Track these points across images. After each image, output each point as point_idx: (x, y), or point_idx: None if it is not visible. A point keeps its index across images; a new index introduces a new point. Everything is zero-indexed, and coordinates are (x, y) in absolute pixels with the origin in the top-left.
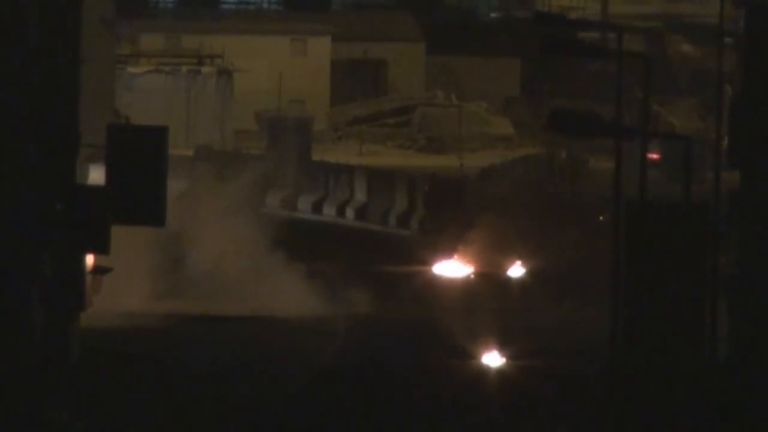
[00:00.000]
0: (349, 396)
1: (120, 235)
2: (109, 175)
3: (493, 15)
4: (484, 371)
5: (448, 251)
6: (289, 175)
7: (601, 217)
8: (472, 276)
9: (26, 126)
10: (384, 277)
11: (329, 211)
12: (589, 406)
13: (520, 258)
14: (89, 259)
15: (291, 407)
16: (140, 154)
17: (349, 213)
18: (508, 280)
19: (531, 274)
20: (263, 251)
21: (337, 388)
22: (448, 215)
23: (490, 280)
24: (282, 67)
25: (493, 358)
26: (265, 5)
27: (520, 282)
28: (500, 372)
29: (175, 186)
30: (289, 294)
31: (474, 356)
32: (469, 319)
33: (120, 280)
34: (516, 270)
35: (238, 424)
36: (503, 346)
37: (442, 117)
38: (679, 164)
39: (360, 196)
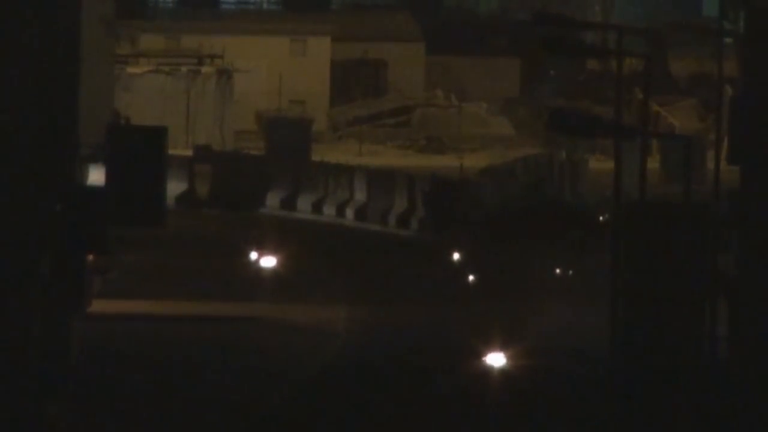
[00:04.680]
0: (348, 396)
1: (119, 235)
2: (109, 175)
3: (492, 15)
4: (485, 371)
5: (447, 251)
6: (289, 175)
7: (601, 218)
8: (472, 276)
9: (25, 126)
10: (383, 277)
11: (329, 211)
12: (589, 407)
13: (519, 257)
14: (89, 260)
15: (290, 408)
16: (140, 154)
17: (349, 213)
18: (509, 279)
19: (532, 274)
20: (262, 252)
21: (336, 388)
22: (447, 215)
23: (489, 279)
24: (282, 67)
25: (494, 358)
26: (265, 5)
27: (521, 282)
28: (501, 372)
29: (175, 186)
30: (288, 294)
31: (474, 356)
32: (469, 320)
33: (120, 281)
34: (516, 270)
35: (237, 425)
36: (503, 347)
37: (441, 117)
38: (677, 164)
39: (360, 196)
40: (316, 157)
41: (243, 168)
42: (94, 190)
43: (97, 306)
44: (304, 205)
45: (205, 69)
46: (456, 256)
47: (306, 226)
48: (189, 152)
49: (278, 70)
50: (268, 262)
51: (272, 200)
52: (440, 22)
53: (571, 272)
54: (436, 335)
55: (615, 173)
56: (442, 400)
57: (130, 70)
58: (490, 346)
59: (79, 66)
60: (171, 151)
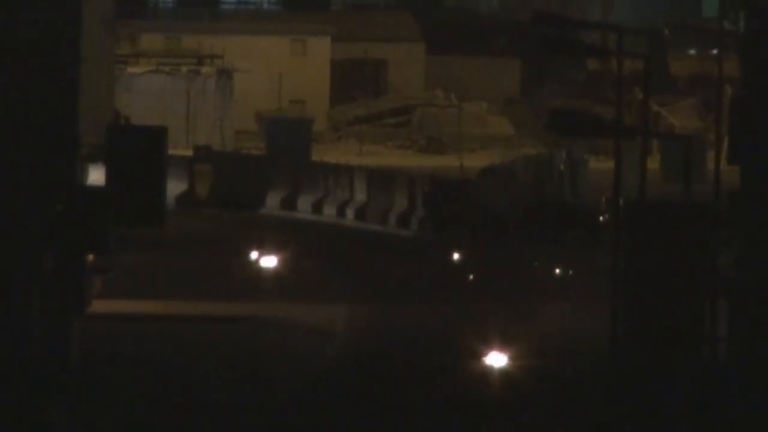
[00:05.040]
0: (348, 397)
1: (120, 235)
2: (109, 175)
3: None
4: (485, 371)
5: (447, 251)
6: (289, 175)
7: (601, 218)
8: (471, 276)
9: (25, 126)
10: (383, 277)
11: (329, 212)
12: (589, 407)
13: (519, 257)
14: (89, 260)
15: (290, 408)
16: (140, 154)
17: (349, 213)
18: (509, 279)
19: (532, 274)
20: (263, 251)
21: (335, 389)
22: (447, 215)
23: (489, 279)
24: (282, 67)
25: (494, 358)
26: (265, 5)
27: (521, 282)
28: (501, 372)
29: (175, 186)
30: (288, 294)
31: (474, 356)
32: (469, 319)
33: (120, 281)
34: (516, 269)
35: (237, 426)
36: (504, 347)
37: (441, 117)
38: (677, 164)
39: (360, 196)
40: (316, 157)
41: (243, 168)
42: (95, 190)
43: (97, 306)
44: (304, 205)
45: (205, 69)
46: (456, 256)
47: (306, 226)
48: (189, 152)
49: (278, 70)
50: (269, 262)
51: (272, 200)
52: (440, 22)
53: (571, 272)
54: (436, 335)
55: (615, 173)
56: (442, 401)
57: (130, 70)
58: (490, 346)
59: (80, 66)
60: (171, 151)
